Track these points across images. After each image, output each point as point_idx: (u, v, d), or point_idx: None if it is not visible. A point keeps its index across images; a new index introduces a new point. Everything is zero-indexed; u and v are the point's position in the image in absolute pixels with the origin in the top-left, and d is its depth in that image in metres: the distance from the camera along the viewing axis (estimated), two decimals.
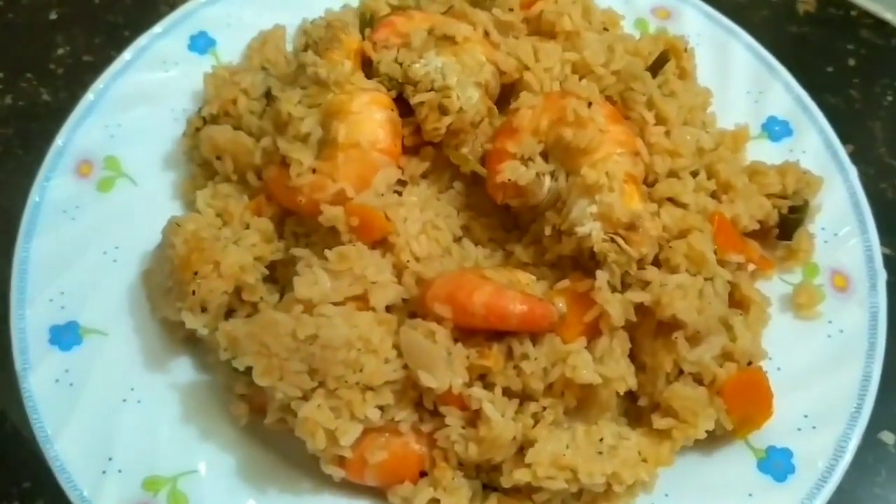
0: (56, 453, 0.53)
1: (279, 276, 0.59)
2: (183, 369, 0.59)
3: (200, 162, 0.66)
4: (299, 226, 0.60)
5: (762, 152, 0.68)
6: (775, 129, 0.69)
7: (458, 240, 0.60)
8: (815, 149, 0.67)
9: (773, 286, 0.62)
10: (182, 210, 0.66)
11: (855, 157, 0.71)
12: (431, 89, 0.60)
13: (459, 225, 0.61)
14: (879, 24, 0.80)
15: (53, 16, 0.80)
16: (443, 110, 0.59)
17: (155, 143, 0.68)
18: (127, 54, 0.70)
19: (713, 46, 0.72)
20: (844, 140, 0.70)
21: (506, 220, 0.62)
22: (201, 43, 0.73)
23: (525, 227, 0.60)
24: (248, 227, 0.59)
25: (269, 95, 0.65)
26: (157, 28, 0.72)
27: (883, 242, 0.66)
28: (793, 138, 0.68)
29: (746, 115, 0.69)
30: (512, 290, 0.52)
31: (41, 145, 0.67)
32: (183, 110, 0.70)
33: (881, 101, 0.76)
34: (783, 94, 0.70)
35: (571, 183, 0.57)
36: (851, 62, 0.79)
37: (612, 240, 0.54)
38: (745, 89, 0.71)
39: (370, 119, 0.59)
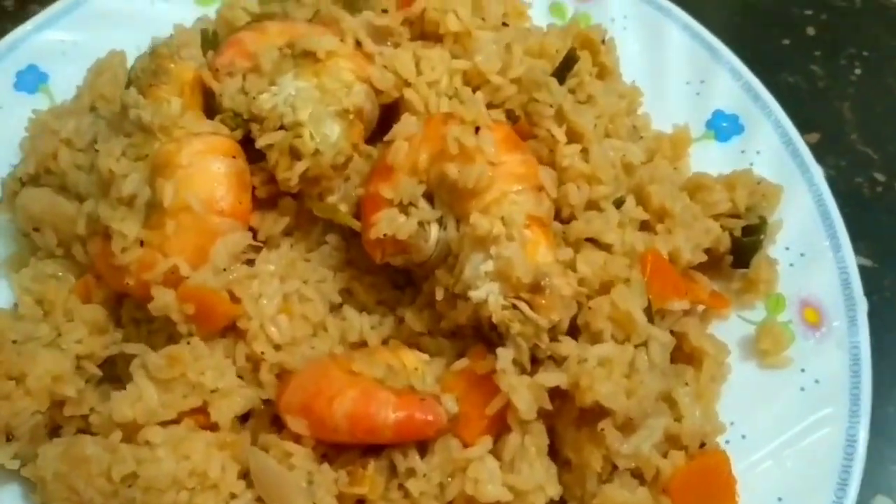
0: None
1: (121, 371, 0.48)
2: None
3: (24, 232, 0.54)
4: (138, 309, 0.48)
5: (709, 156, 0.56)
6: (723, 126, 0.57)
7: (336, 308, 0.49)
8: (772, 146, 0.56)
9: (732, 327, 0.51)
10: (9, 293, 0.54)
11: (821, 149, 0.60)
12: (281, 127, 0.48)
13: (338, 288, 0.50)
14: None
15: None
16: (295, 154, 0.47)
17: None
18: None
19: (643, 30, 0.61)
20: (807, 128, 0.59)
21: (397, 277, 0.50)
22: (30, 79, 0.61)
23: (419, 283, 0.49)
24: (72, 318, 0.48)
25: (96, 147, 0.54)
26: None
27: (861, 253, 0.55)
28: (744, 135, 0.57)
29: (687, 112, 0.58)
30: (384, 392, 0.41)
31: None
32: (10, 166, 0.58)
33: (848, 75, 0.65)
34: (729, 81, 0.58)
35: (462, 233, 0.45)
36: (811, 31, 0.67)
37: (515, 306, 0.43)
38: (684, 80, 0.59)
39: (205, 173, 0.47)
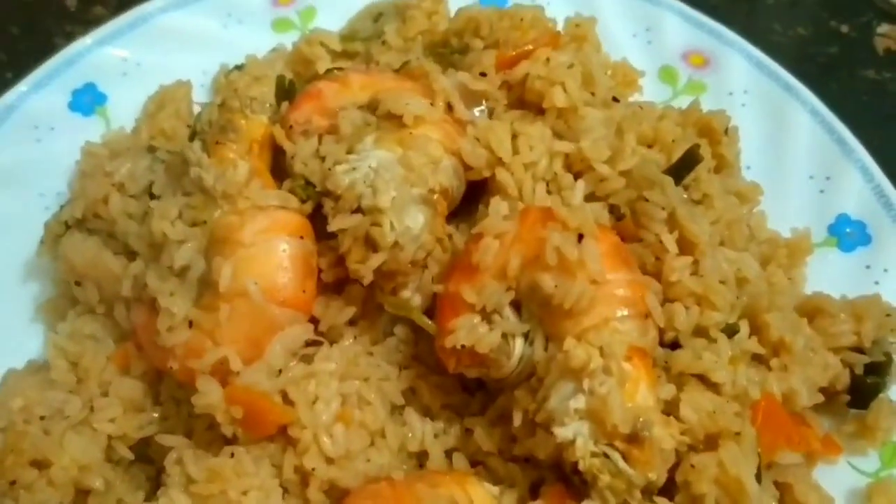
0: None
1: (154, 453, 0.43)
2: None
3: (65, 280, 0.50)
4: (180, 388, 0.44)
5: (828, 267, 0.50)
6: (846, 233, 0.51)
7: (398, 409, 0.44)
8: None
9: (840, 475, 0.45)
10: (42, 339, 0.50)
11: None
12: (358, 209, 0.43)
13: (401, 388, 0.45)
14: None
15: None
16: (371, 244, 0.42)
17: (15, 241, 0.52)
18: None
19: (764, 109, 0.54)
20: None
21: (467, 379, 0.45)
22: (86, 100, 0.56)
23: (493, 392, 0.44)
24: (107, 392, 0.44)
25: (151, 195, 0.49)
26: (30, 80, 0.55)
27: None
28: (871, 248, 0.50)
29: (808, 211, 0.51)
30: None
31: None
32: (57, 194, 0.54)
33: None
34: (860, 182, 0.52)
35: (551, 354, 0.40)
36: None
37: (606, 454, 0.38)
38: (808, 174, 0.52)
39: (268, 255, 0.43)
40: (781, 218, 0.51)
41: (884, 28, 0.63)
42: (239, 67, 0.55)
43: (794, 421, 0.43)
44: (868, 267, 0.50)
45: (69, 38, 0.61)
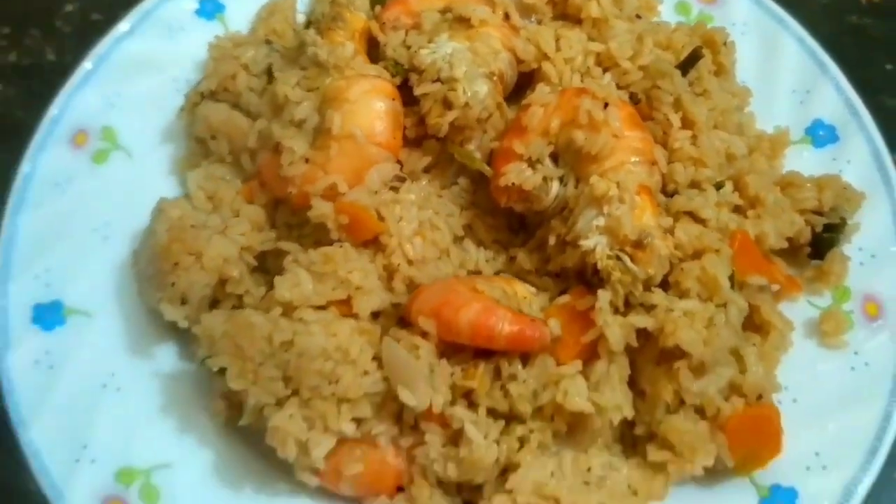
0: (30, 438, 0.52)
1: (269, 265, 0.57)
2: (167, 357, 0.58)
3: (199, 138, 0.63)
4: (292, 216, 0.57)
5: (803, 159, 0.63)
6: (820, 134, 0.64)
7: (458, 240, 0.57)
8: (862, 159, 0.62)
9: (799, 309, 0.58)
10: (177, 187, 0.63)
11: None
12: (438, 80, 0.56)
13: (461, 224, 0.58)
14: None
15: None
16: (447, 104, 0.55)
17: (154, 114, 0.66)
18: (130, 18, 0.67)
19: (760, 37, 0.67)
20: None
21: (512, 221, 0.58)
22: (209, 8, 0.69)
23: (531, 229, 0.57)
24: (238, 214, 0.57)
25: (269, 73, 0.62)
26: None
27: None
28: (838, 145, 0.63)
29: (790, 116, 0.64)
30: (502, 309, 0.49)
31: (43, 108, 0.65)
32: (186, 81, 0.67)
33: None
34: (833, 95, 0.64)
35: (580, 191, 0.53)
36: None
37: (618, 257, 0.50)
38: (791, 88, 0.65)
39: (368, 109, 0.55)
40: (768, 121, 0.64)
41: None
42: None
43: (764, 259, 0.55)
44: (834, 159, 0.62)
45: None
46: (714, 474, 0.53)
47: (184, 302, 0.54)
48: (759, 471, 0.52)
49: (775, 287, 0.57)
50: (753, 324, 0.55)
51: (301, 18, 0.71)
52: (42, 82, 0.71)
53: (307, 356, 0.48)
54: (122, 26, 0.68)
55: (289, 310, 0.50)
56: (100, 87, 0.66)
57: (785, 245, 0.57)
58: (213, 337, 0.51)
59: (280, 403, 0.49)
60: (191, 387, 0.58)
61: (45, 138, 0.64)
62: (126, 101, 0.66)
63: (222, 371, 0.52)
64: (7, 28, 0.74)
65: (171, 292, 0.54)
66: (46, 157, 0.64)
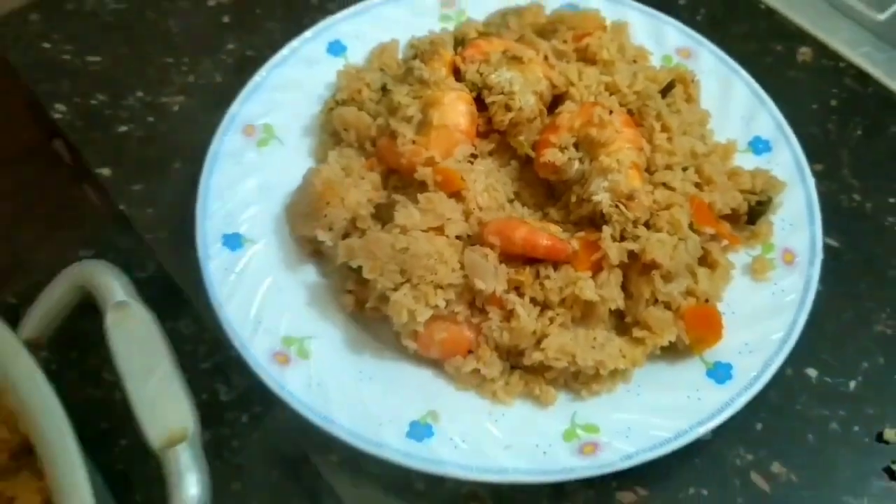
0: (225, 315, 0.79)
1: (382, 215, 0.83)
2: (309, 272, 0.84)
3: (331, 132, 0.90)
4: (399, 181, 0.83)
5: (746, 162, 0.89)
6: (759, 146, 0.89)
7: (510, 201, 0.84)
8: (787, 163, 0.87)
9: (738, 257, 0.81)
10: (314, 164, 0.91)
11: (822, 175, 0.90)
12: (501, 93, 0.83)
13: (512, 191, 0.84)
14: (861, 74, 1.00)
15: (226, 19, 1.05)
16: (508, 108, 0.82)
17: (299, 117, 0.90)
18: (284, 51, 0.95)
19: (718, 80, 0.92)
20: (815, 161, 0.90)
21: (545, 192, 0.84)
22: (336, 48, 0.98)
23: (559, 197, 0.83)
24: (363, 178, 0.84)
25: (384, 89, 0.89)
26: (307, 34, 0.96)
27: (830, 236, 0.87)
28: (771, 154, 0.88)
29: (737, 133, 0.89)
30: (543, 231, 0.76)
31: (214, 112, 0.92)
32: (319, 95, 0.94)
33: (852, 134, 0.96)
34: (769, 120, 0.90)
35: (592, 167, 0.79)
36: (833, 102, 0.98)
37: (617, 206, 0.77)
38: (740, 114, 0.90)
39: (455, 110, 0.82)
40: (722, 136, 0.89)
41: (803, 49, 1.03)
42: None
43: (714, 217, 0.82)
44: (768, 163, 0.88)
45: (314, 21, 1.03)
46: (675, 353, 0.76)
47: (330, 229, 0.81)
48: (706, 351, 0.77)
49: (724, 243, 0.84)
50: (707, 262, 0.80)
51: (399, 56, 1.00)
52: (213, 94, 0.99)
53: (416, 257, 0.74)
54: (275, 59, 0.97)
55: (404, 231, 0.77)
56: (262, 97, 0.92)
57: (729, 212, 0.82)
58: (353, 247, 0.77)
59: (397, 288, 0.75)
60: (325, 291, 0.84)
61: (226, 129, 0.91)
62: (279, 107, 0.90)
63: (357, 269, 0.78)
64: (186, 58, 1.02)
65: (323, 222, 0.80)
66: (227, 140, 0.90)
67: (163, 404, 0.52)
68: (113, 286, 0.57)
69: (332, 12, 1.00)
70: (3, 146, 1.16)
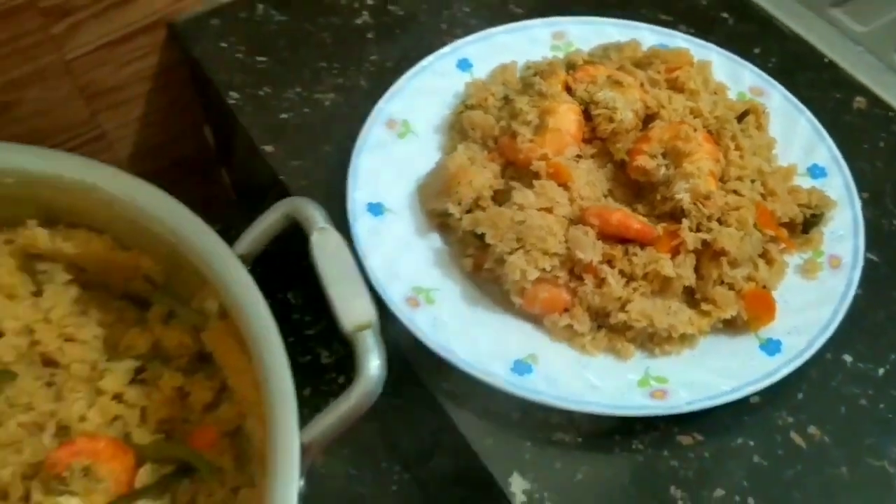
0: (368, 265, 0.97)
1: (498, 198, 1.01)
2: (434, 240, 1.02)
3: (459, 130, 1.08)
4: (514, 172, 1.01)
5: (804, 183, 1.02)
6: (816, 171, 1.03)
7: (604, 196, 1.02)
8: (839, 187, 1.01)
9: (792, 259, 0.96)
10: (442, 156, 1.10)
11: (868, 202, 1.04)
12: (605, 108, 1.02)
13: (606, 189, 1.02)
14: None
15: (370, 35, 1.26)
16: (610, 120, 1.00)
17: (431, 116, 1.07)
18: (423, 63, 1.14)
19: (784, 115, 1.07)
20: (863, 189, 1.05)
21: (633, 192, 1.01)
22: (464, 65, 1.17)
23: (645, 196, 0.99)
24: (485, 167, 1.03)
25: (506, 98, 1.09)
26: (443, 50, 1.13)
27: (871, 252, 1.01)
28: (826, 178, 1.03)
29: (798, 159, 1.02)
30: (634, 217, 0.93)
31: (358, 108, 1.09)
32: (448, 101, 1.12)
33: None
34: (826, 152, 1.04)
35: (676, 172, 0.97)
36: (881, 144, 1.12)
37: (695, 204, 0.94)
38: (801, 145, 1.03)
39: (567, 118, 0.99)
40: (785, 161, 1.08)
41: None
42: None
43: (774, 222, 0.98)
44: (822, 186, 1.05)
45: (443, 43, 1.23)
46: (734, 328, 0.92)
47: (458, 204, 1.00)
48: (760, 329, 0.90)
49: (781, 246, 1.00)
50: (766, 258, 0.96)
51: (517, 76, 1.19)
52: (358, 95, 1.19)
53: (531, 228, 0.90)
54: (415, 69, 1.17)
55: (521, 208, 0.95)
56: (401, 100, 1.11)
57: (787, 221, 0.99)
58: (478, 218, 0.95)
59: (512, 252, 0.91)
60: (447, 255, 1.01)
61: (373, 121, 1.10)
62: (416, 107, 1.06)
63: (479, 237, 0.97)
64: (337, 64, 1.23)
65: (454, 197, 0.97)
66: (373, 131, 1.10)
67: (352, 301, 0.70)
68: (316, 215, 0.75)
69: (459, 37, 1.20)
70: (166, 127, 1.38)
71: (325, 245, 0.74)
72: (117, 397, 0.78)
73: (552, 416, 0.90)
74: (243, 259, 0.80)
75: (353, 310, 0.71)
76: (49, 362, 0.80)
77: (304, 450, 0.63)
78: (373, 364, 0.68)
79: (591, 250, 0.91)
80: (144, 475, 0.74)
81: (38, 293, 0.82)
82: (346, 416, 0.63)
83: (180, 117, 1.41)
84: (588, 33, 1.19)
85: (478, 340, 0.91)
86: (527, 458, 0.88)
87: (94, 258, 0.83)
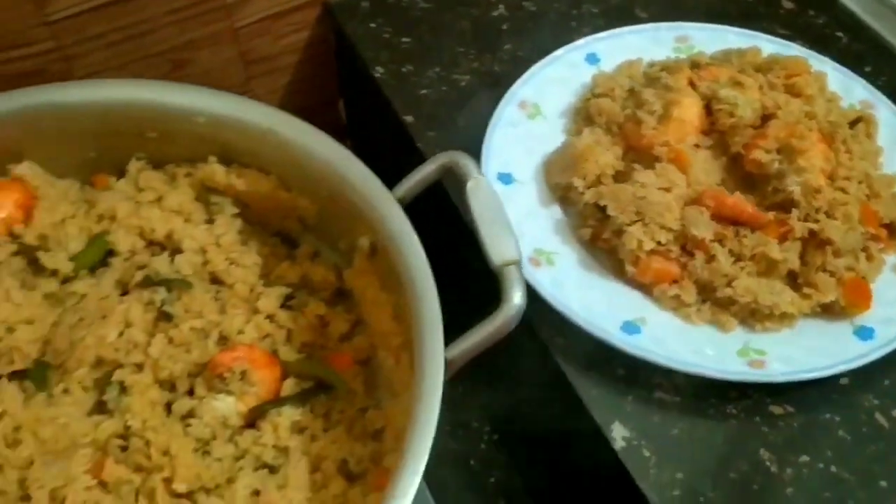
0: None
1: (618, 178, 1.11)
2: (555, 210, 1.13)
3: (584, 116, 1.18)
4: (635, 157, 1.10)
5: None
6: None
7: (717, 184, 1.11)
8: None
9: (890, 258, 1.04)
10: (566, 138, 1.21)
11: None
12: (726, 104, 1.11)
13: (719, 178, 1.11)
14: None
15: (505, 27, 1.37)
16: (730, 115, 1.10)
17: (559, 102, 1.17)
18: (556, 53, 1.25)
19: (892, 129, 1.16)
20: None
21: (744, 184, 1.10)
22: (592, 59, 1.26)
23: (756, 187, 1.08)
24: (608, 150, 1.13)
25: (631, 91, 1.19)
26: (577, 42, 1.23)
27: None
28: None
29: None
30: (748, 202, 1.02)
31: (492, 91, 1.21)
32: (575, 90, 1.22)
33: None
34: None
35: (788, 166, 1.05)
36: None
37: (805, 196, 1.03)
38: None
39: (690, 110, 1.07)
40: (890, 170, 1.15)
41: None
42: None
43: (877, 222, 1.05)
44: None
45: (578, 37, 1.33)
46: (831, 313, 0.92)
47: (583, 179, 1.10)
48: (855, 315, 0.95)
49: (881, 245, 1.07)
50: (866, 252, 1.03)
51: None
52: (491, 79, 1.30)
53: (650, 203, 0.97)
54: (547, 59, 1.28)
55: (641, 186, 1.05)
56: (534, 85, 1.20)
57: (888, 223, 1.06)
58: (602, 192, 1.05)
59: (632, 224, 1.02)
60: (566, 225, 1.11)
61: (507, 101, 1.21)
62: (546, 93, 1.15)
63: (600, 209, 1.07)
64: (473, 50, 1.34)
65: (579, 173, 1.08)
66: (507, 110, 1.19)
67: (501, 241, 0.81)
68: (471, 166, 0.87)
69: (586, 34, 1.30)
70: (306, 98, 1.52)
71: (478, 191, 0.85)
72: (269, 317, 0.87)
73: (654, 377, 0.99)
74: (401, 201, 0.91)
75: (501, 247, 0.81)
76: (216, 280, 0.89)
77: (447, 364, 0.73)
78: (516, 295, 0.79)
79: (704, 228, 1.00)
80: (288, 386, 0.82)
81: (209, 221, 0.91)
82: (487, 338, 0.73)
83: (319, 90, 1.55)
84: (710, 39, 1.28)
85: (591, 301, 1.01)
86: (628, 410, 0.98)
87: (259, 196, 0.92)
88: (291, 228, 0.97)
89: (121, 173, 0.92)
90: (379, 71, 1.31)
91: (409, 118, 1.25)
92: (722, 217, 0.93)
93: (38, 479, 0.70)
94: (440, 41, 1.35)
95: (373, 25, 1.37)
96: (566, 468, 1.17)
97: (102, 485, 0.72)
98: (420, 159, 1.21)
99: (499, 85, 1.23)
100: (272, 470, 0.76)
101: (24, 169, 0.87)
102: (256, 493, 0.73)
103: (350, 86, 1.51)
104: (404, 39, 1.35)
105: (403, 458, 0.62)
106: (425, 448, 0.61)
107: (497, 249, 0.83)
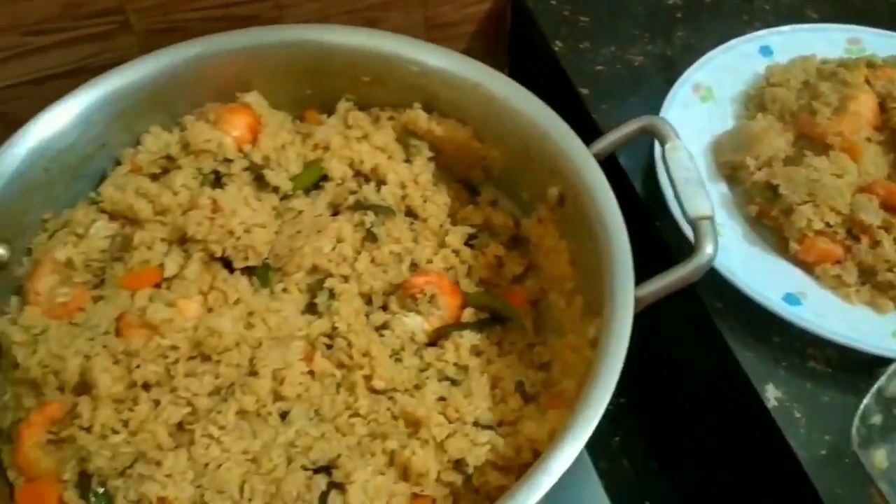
0: (668, 195, 1.16)
1: (786, 163, 1.18)
2: (721, 187, 1.17)
3: (756, 104, 1.21)
4: (806, 143, 1.13)
5: None
6: None
7: (886, 178, 1.15)
8: None
9: None
10: (731, 123, 1.27)
11: None
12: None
13: (887, 173, 1.14)
14: None
15: (678, 15, 1.44)
16: (814, 113, 1.12)
17: (730, 89, 1.21)
18: (731, 42, 1.29)
19: None
20: None
21: None
22: (765, 51, 1.32)
23: None
24: (780, 136, 1.19)
25: (805, 83, 1.25)
26: (756, 34, 1.30)
27: None
28: None
29: None
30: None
31: (663, 73, 1.30)
32: (746, 79, 1.27)
33: None
34: None
35: None
36: None
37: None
38: None
39: (866, 105, 1.08)
40: None
41: None
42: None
43: None
44: None
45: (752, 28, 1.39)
46: None
47: (755, 159, 1.17)
48: None
49: None
50: None
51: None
52: (663, 62, 1.36)
53: (823, 186, 0.88)
54: (722, 47, 1.33)
55: (815, 169, 1.11)
56: (707, 69, 1.20)
57: None
58: (776, 172, 1.11)
59: (803, 203, 1.01)
60: (730, 201, 1.16)
61: (682, 83, 1.22)
62: (719, 79, 1.19)
63: (770, 188, 1.13)
64: (647, 34, 1.41)
65: (752, 153, 1.13)
66: (681, 91, 1.20)
67: (696, 198, 0.85)
68: (670, 129, 0.95)
69: (757, 28, 1.36)
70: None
71: (675, 153, 0.93)
72: (455, 252, 0.94)
73: (808, 348, 1.06)
74: (597, 156, 1.00)
75: (696, 204, 0.90)
76: (410, 213, 0.98)
77: (638, 301, 0.81)
78: (708, 246, 0.87)
79: (873, 215, 1.05)
80: (467, 315, 0.90)
81: (407, 161, 1.00)
82: (677, 281, 0.80)
83: (488, 62, 1.65)
84: (882, 43, 1.32)
85: (755, 271, 1.08)
86: (781, 374, 1.04)
87: (454, 144, 1.00)
88: (475, 177, 1.05)
89: (329, 112, 1.01)
90: (558, 45, 1.40)
91: (584, 90, 1.34)
92: (890, 207, 0.99)
93: (264, 359, 0.80)
94: (616, 23, 1.43)
95: (553, 3, 1.46)
96: (703, 430, 1.24)
97: (311, 374, 0.80)
98: (593, 129, 1.30)
99: (670, 68, 1.30)
100: (454, 383, 0.84)
101: (252, 97, 0.97)
102: (442, 399, 0.80)
103: (523, 59, 1.60)
104: (582, 18, 1.44)
105: (598, 372, 0.70)
106: (615, 372, 0.69)
107: (692, 204, 0.91)
